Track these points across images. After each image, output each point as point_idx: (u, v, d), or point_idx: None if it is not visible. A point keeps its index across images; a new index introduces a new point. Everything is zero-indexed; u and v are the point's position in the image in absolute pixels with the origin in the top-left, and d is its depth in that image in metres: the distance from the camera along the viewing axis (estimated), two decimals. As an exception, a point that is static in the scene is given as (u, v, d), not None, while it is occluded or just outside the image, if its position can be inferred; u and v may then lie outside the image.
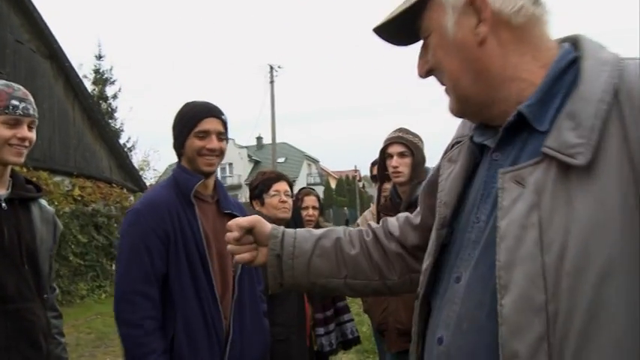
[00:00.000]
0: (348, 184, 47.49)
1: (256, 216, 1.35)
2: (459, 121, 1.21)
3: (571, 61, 0.96)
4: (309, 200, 3.81)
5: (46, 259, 2.10)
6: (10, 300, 1.89)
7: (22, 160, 2.00)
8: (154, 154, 43.99)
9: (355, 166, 58.54)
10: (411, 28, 1.07)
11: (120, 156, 15.07)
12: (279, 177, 3.22)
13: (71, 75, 13.29)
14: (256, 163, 51.19)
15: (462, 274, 0.98)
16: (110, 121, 21.92)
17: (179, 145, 2.24)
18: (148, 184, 18.12)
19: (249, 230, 1.32)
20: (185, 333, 2.07)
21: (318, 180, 50.42)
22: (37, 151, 10.90)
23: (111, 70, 25.44)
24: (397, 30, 1.09)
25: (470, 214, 1.03)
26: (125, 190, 14.59)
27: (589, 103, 0.86)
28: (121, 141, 20.58)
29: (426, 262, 1.12)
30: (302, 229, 1.39)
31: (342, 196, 43.70)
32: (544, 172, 0.87)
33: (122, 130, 24.57)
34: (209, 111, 2.22)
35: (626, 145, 0.82)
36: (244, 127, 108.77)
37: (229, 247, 1.33)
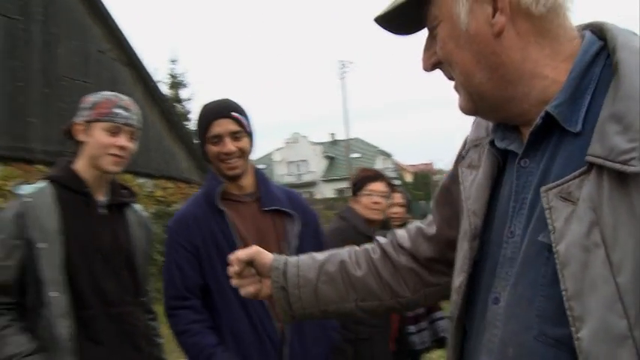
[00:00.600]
0: (423, 177, 46.88)
1: (256, 247, 1.30)
2: None
3: (597, 52, 0.87)
4: (394, 197, 3.69)
5: (142, 263, 2.13)
6: (112, 304, 1.93)
7: (119, 169, 1.99)
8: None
9: (430, 159, 57.66)
10: (415, 15, 0.96)
11: (197, 157, 15.48)
12: (376, 176, 3.08)
13: (149, 80, 13.83)
14: (331, 159, 51.41)
15: (501, 294, 0.91)
16: (185, 123, 22.59)
17: (203, 152, 2.18)
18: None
19: (251, 262, 1.28)
20: (233, 341, 2.02)
21: (392, 174, 50.05)
22: (120, 154, 11.36)
23: (185, 73, 26.31)
24: (398, 17, 0.97)
25: (502, 227, 0.94)
26: (204, 190, 14.97)
27: (636, 102, 0.76)
28: (198, 141, 21.18)
29: (459, 279, 1.02)
30: (305, 255, 1.34)
31: (418, 190, 43.19)
32: (595, 185, 0.77)
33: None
34: (217, 113, 2.12)
35: None
36: (318, 123, 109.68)
37: (232, 281, 1.30)
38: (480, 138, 1.06)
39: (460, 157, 1.11)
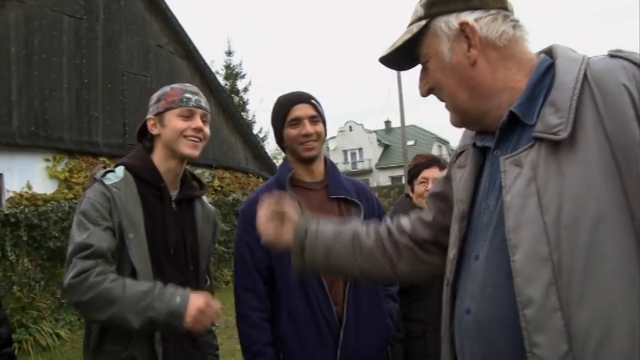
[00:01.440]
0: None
1: (291, 202, 1.56)
2: None
3: (548, 66, 1.14)
4: None
5: (204, 256, 2.16)
6: None
7: (198, 152, 2.01)
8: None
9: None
10: (412, 55, 1.27)
11: (255, 147, 15.70)
12: (430, 162, 2.96)
13: (206, 72, 14.08)
14: (386, 147, 51.11)
15: (480, 252, 1.15)
16: (243, 113, 22.90)
17: (279, 139, 2.27)
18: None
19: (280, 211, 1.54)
20: (290, 321, 2.08)
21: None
22: (180, 146, 11.66)
23: (240, 64, 26.76)
24: (400, 56, 1.28)
25: (481, 203, 1.20)
26: (261, 180, 15.19)
27: (564, 91, 1.05)
28: (254, 132, 21.43)
29: (452, 251, 1.26)
30: (326, 219, 1.55)
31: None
32: (536, 152, 1.06)
33: (254, 122, 25.66)
34: (297, 98, 2.23)
35: (600, 120, 1.00)
36: (373, 111, 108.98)
37: (260, 223, 1.54)
38: (466, 145, 1.33)
39: (452, 162, 1.38)
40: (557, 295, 0.97)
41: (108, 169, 2.00)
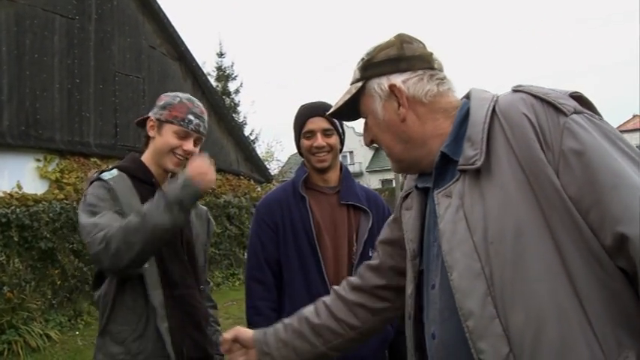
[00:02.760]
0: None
1: (237, 328, 1.67)
2: None
3: (467, 109, 1.26)
4: None
5: (200, 252, 2.26)
6: (175, 286, 2.05)
7: (179, 170, 2.10)
8: (276, 145, 45.43)
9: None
10: (355, 110, 1.42)
11: (246, 149, 15.72)
12: None
13: (198, 74, 14.08)
14: (377, 150, 51.18)
15: (435, 281, 1.25)
16: (234, 115, 22.89)
17: (297, 146, 2.42)
18: (273, 174, 18.72)
19: (236, 340, 1.63)
20: (292, 313, 2.15)
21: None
22: (171, 148, 11.67)
23: (232, 66, 26.68)
24: (348, 111, 1.43)
25: (429, 238, 1.32)
26: (252, 182, 15.21)
27: (477, 126, 1.19)
28: (245, 134, 21.42)
29: (409, 288, 1.38)
30: (279, 323, 1.65)
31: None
32: (462, 183, 1.19)
33: (245, 124, 25.67)
34: (312, 111, 2.35)
35: (510, 146, 1.13)
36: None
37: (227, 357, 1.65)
38: (411, 188, 1.45)
39: (399, 205, 1.50)
40: (493, 304, 1.08)
41: (102, 169, 2.11)
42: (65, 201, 8.85)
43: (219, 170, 13.95)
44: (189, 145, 2.09)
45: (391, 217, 1.59)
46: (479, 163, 1.15)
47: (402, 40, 1.35)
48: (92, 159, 10.67)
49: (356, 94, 1.38)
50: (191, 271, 2.15)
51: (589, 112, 1.15)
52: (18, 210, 7.48)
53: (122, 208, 1.97)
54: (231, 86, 26.23)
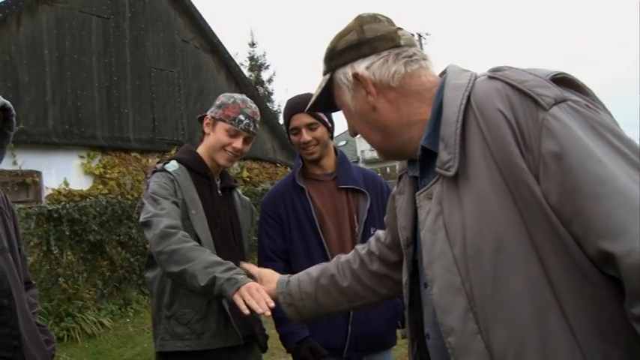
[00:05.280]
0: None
1: (265, 270, 1.73)
2: None
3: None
4: None
5: (245, 239, 2.44)
6: None
7: (230, 165, 2.31)
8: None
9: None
10: (331, 102, 1.34)
11: (281, 137, 15.78)
12: None
13: (231, 65, 14.25)
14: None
15: (427, 279, 1.16)
16: (268, 104, 23.06)
17: (290, 141, 2.54)
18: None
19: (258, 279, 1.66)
20: None
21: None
22: (208, 139, 11.93)
23: (264, 55, 26.75)
24: (325, 104, 1.36)
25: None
26: (289, 169, 15.35)
27: (450, 126, 1.07)
28: (280, 122, 21.57)
29: (404, 277, 1.34)
30: (302, 273, 1.67)
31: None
32: (440, 186, 1.11)
33: (280, 112, 25.68)
34: (294, 108, 2.42)
35: (488, 148, 1.01)
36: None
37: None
38: (404, 169, 1.38)
39: (397, 186, 1.43)
40: (474, 320, 1.02)
41: (164, 161, 2.31)
42: (110, 195, 9.22)
43: (255, 159, 14.20)
44: (238, 142, 2.25)
45: (392, 195, 1.50)
46: (453, 171, 1.05)
47: (362, 22, 1.26)
48: (132, 153, 11.00)
49: (327, 86, 1.31)
50: (240, 256, 2.31)
51: (574, 97, 1.00)
52: (68, 205, 7.84)
53: (183, 197, 2.15)
54: (264, 75, 26.27)
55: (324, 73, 1.32)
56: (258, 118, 2.32)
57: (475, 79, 1.10)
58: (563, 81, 1.01)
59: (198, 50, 13.25)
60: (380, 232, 1.63)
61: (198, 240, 2.10)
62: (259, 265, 2.45)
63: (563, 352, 0.95)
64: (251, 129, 2.28)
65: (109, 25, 11.07)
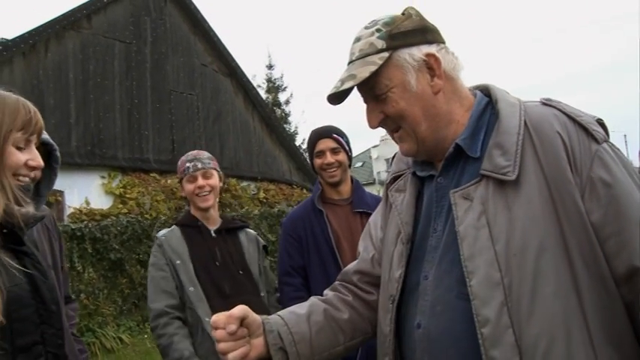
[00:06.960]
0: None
1: (244, 306, 1.34)
2: None
3: (486, 104, 1.28)
4: None
5: (255, 267, 2.66)
6: (227, 297, 2.43)
7: (209, 204, 2.61)
8: (328, 153, 45.11)
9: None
10: (352, 89, 1.29)
11: (298, 158, 15.96)
12: None
13: (249, 88, 14.52)
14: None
15: (429, 273, 1.25)
16: (285, 125, 23.18)
17: (312, 165, 2.86)
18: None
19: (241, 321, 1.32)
20: None
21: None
22: (225, 160, 12.18)
23: (282, 77, 27.05)
24: (344, 90, 1.28)
25: (427, 227, 1.31)
26: (305, 191, 15.45)
27: (510, 135, 1.18)
28: (296, 143, 21.73)
29: (397, 271, 1.33)
30: (285, 311, 1.42)
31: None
32: (484, 188, 1.18)
33: (297, 134, 25.84)
34: (320, 134, 2.76)
35: (539, 162, 1.14)
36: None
37: (220, 346, 1.28)
38: (402, 169, 1.44)
39: (388, 185, 1.47)
40: (508, 314, 1.09)
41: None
42: (130, 215, 9.46)
43: (272, 180, 14.38)
44: (199, 183, 2.59)
45: (382, 199, 1.51)
46: (512, 176, 1.14)
47: (417, 12, 1.30)
48: (152, 174, 11.27)
49: (379, 69, 1.25)
50: (248, 284, 2.54)
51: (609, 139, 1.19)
52: (90, 224, 8.09)
53: (169, 255, 2.51)
54: (282, 97, 26.43)
55: (378, 52, 1.26)
56: (201, 155, 2.66)
57: (524, 104, 1.25)
58: (602, 126, 1.20)
59: (216, 74, 13.57)
60: (353, 264, 1.58)
61: (182, 284, 2.46)
62: (279, 279, 2.73)
63: (581, 355, 1.07)
64: (199, 166, 2.61)
65: (131, 50, 11.44)
